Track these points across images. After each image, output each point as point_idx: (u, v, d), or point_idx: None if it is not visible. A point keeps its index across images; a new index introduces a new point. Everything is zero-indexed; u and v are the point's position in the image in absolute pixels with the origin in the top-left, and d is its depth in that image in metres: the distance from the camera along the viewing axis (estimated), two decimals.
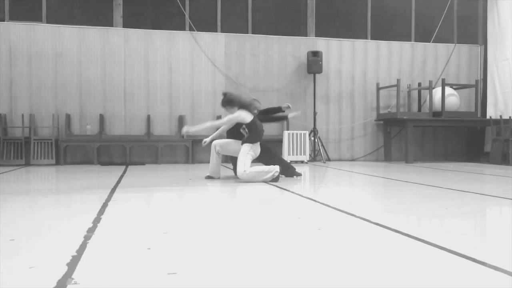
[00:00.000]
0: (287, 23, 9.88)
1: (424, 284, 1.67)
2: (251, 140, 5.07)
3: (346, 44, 9.86)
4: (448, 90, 9.40)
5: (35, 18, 8.68)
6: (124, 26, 8.97)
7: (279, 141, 9.09)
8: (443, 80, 9.27)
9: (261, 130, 5.22)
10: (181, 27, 9.23)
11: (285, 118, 6.25)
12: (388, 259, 2.01)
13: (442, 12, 10.20)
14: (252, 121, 5.06)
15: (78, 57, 8.72)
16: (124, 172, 6.72)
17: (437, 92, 9.31)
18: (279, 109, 6.06)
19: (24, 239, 2.34)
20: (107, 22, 8.95)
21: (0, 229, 2.56)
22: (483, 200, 3.93)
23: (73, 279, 1.66)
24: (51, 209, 3.45)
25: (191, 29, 9.19)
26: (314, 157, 9.30)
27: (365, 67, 9.95)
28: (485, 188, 5.02)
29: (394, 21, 10.34)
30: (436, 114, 9.20)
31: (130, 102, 8.91)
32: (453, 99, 9.39)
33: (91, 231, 2.50)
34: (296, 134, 8.88)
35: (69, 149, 8.64)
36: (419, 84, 9.92)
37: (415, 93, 10.13)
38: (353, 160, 9.85)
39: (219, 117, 9.12)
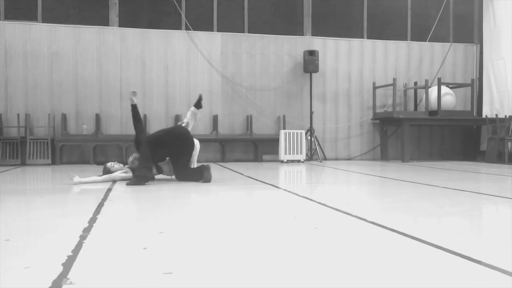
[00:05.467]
0: (283, 22, 9.88)
1: (420, 283, 1.67)
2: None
3: (343, 43, 9.87)
4: (444, 89, 9.43)
5: (31, 18, 8.65)
6: (120, 26, 8.95)
7: (276, 141, 9.09)
8: (439, 79, 9.30)
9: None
10: (177, 27, 9.22)
11: (134, 109, 5.39)
12: (384, 258, 2.01)
13: (438, 11, 10.23)
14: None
15: (74, 56, 8.70)
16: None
17: (433, 91, 9.33)
18: (135, 109, 5.36)
19: (19, 239, 2.33)
20: (103, 21, 8.93)
21: None
22: (479, 199, 3.94)
23: (68, 279, 1.66)
24: (47, 209, 3.44)
25: (187, 28, 9.18)
26: (311, 156, 9.31)
27: (361, 66, 9.96)
28: (481, 187, 5.04)
29: (390, 20, 10.36)
30: (432, 113, 9.22)
31: (126, 102, 8.88)
32: (449, 98, 9.42)
33: (86, 231, 2.49)
34: (293, 133, 8.88)
35: (65, 149, 8.61)
36: (415, 83, 9.95)
37: (411, 92, 10.15)
38: (349, 159, 9.87)
39: (215, 117, 9.12)
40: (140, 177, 4.94)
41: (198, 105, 5.64)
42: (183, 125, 5.57)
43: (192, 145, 5.39)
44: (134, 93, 5.49)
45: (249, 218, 3.04)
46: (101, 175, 5.30)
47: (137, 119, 5.40)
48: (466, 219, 3.07)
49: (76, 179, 4.91)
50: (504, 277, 1.72)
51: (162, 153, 5.19)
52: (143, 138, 5.19)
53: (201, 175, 5.16)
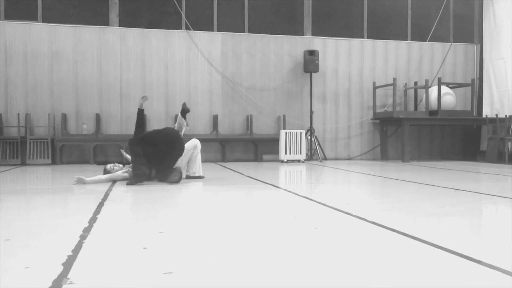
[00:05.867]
0: (283, 22, 9.88)
1: (421, 283, 1.67)
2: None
3: (343, 43, 9.86)
4: (444, 89, 9.42)
5: (31, 17, 8.65)
6: (120, 25, 8.95)
7: (276, 140, 9.09)
8: (439, 79, 9.29)
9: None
10: (178, 26, 9.22)
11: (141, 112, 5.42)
12: (385, 258, 2.01)
13: (438, 11, 10.22)
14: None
15: (74, 56, 8.70)
16: None
17: (433, 91, 9.33)
18: (141, 114, 5.40)
19: (19, 239, 2.33)
20: (103, 21, 8.93)
21: None
22: (479, 199, 3.94)
23: (68, 279, 1.66)
24: (47, 209, 3.44)
25: (187, 28, 9.18)
26: (311, 156, 9.31)
27: (361, 66, 9.96)
28: (481, 187, 5.04)
29: (391, 20, 10.35)
30: (432, 113, 9.22)
31: (126, 101, 8.89)
32: (449, 98, 9.41)
33: (87, 230, 2.49)
34: (293, 133, 8.88)
35: (65, 149, 8.61)
36: (416, 83, 9.95)
37: (411, 92, 10.15)
38: (349, 159, 9.87)
39: (215, 116, 9.12)
40: (139, 175, 4.92)
41: (182, 112, 5.53)
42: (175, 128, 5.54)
43: (181, 149, 5.27)
44: (145, 98, 5.47)
45: (249, 218, 3.04)
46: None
47: (140, 123, 5.37)
48: (467, 219, 3.07)
49: (81, 180, 4.90)
50: (505, 277, 1.72)
51: (151, 151, 5.05)
52: (132, 139, 5.16)
53: (167, 176, 5.05)
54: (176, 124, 5.60)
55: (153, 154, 5.08)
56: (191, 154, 5.54)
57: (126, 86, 8.90)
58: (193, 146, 5.56)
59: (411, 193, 4.32)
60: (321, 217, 3.07)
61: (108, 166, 5.41)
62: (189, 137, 6.45)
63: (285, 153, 8.81)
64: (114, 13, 8.93)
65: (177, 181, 5.03)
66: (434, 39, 10.27)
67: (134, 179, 4.90)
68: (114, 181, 5.18)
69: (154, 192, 4.32)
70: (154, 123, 8.89)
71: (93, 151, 8.47)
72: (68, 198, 4.00)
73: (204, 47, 9.23)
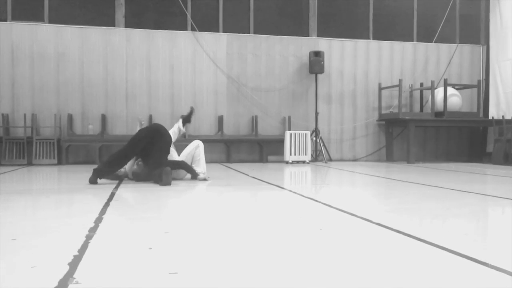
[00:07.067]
0: (289, 23, 9.88)
1: (426, 285, 1.66)
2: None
3: (348, 44, 9.85)
4: (450, 90, 9.39)
5: (37, 18, 8.69)
6: (126, 26, 8.98)
7: (281, 141, 9.09)
8: (445, 80, 9.26)
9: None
10: (183, 27, 9.24)
11: None
12: (390, 260, 2.01)
13: (444, 12, 10.19)
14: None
15: (80, 57, 8.74)
16: None
17: (439, 92, 9.30)
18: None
19: (25, 239, 2.34)
20: (109, 22, 8.96)
21: (1, 228, 2.57)
22: (485, 201, 3.92)
23: (74, 278, 1.67)
24: (53, 208, 3.45)
25: (193, 29, 9.19)
26: (316, 157, 9.29)
27: (367, 67, 9.94)
28: (487, 189, 5.01)
29: (396, 21, 10.33)
30: (438, 114, 9.19)
31: (132, 102, 8.92)
32: (455, 99, 9.38)
33: (92, 230, 2.50)
34: (298, 134, 8.87)
35: (71, 149, 8.65)
36: (421, 84, 9.91)
37: (417, 93, 10.12)
38: (354, 160, 9.85)
39: (220, 117, 9.13)
40: (95, 170, 4.89)
41: (187, 119, 5.58)
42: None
43: (167, 143, 5.14)
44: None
45: (254, 219, 3.04)
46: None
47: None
48: (472, 221, 3.05)
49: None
50: (511, 280, 1.71)
51: (138, 145, 4.98)
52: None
53: (160, 178, 4.84)
54: (172, 130, 5.52)
55: (144, 149, 5.00)
56: (193, 156, 5.54)
57: (131, 87, 8.93)
58: (195, 146, 5.56)
59: (416, 194, 4.31)
60: (326, 218, 3.07)
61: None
62: (193, 138, 6.49)
63: (290, 154, 8.80)
64: (120, 14, 8.96)
65: (169, 183, 4.80)
66: (440, 40, 10.24)
67: (91, 175, 4.82)
68: (120, 181, 5.19)
69: (159, 193, 4.33)
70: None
71: (99, 151, 8.50)
72: (74, 198, 4.02)
73: (210, 48, 9.24)
